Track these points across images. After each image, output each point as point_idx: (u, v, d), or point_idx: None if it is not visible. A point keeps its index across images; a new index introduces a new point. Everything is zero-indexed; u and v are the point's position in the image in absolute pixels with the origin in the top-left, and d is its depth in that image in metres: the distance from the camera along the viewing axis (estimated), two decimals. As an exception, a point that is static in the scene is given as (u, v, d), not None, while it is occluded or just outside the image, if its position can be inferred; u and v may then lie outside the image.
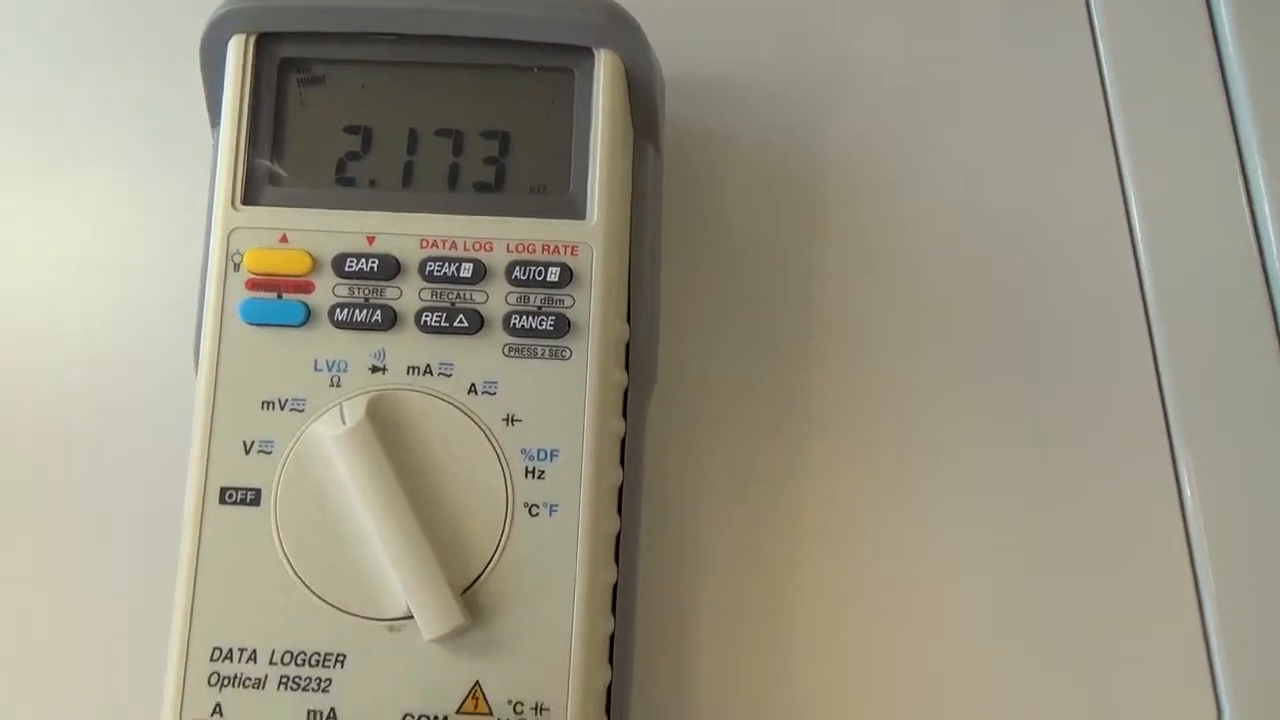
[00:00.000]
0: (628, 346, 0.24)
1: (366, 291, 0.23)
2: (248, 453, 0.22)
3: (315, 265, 0.23)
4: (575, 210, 0.23)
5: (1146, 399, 0.28)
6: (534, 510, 0.22)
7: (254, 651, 0.22)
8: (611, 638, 0.23)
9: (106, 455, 0.27)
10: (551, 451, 0.22)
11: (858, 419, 0.28)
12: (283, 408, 0.22)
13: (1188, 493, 0.27)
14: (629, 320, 0.24)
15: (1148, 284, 0.29)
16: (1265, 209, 0.29)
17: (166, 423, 0.26)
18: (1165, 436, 0.28)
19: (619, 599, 0.23)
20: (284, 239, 0.23)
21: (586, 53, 0.24)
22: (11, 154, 0.29)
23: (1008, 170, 0.30)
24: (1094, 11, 0.31)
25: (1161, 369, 0.28)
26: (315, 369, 0.23)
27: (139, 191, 0.29)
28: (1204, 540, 0.27)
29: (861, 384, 0.28)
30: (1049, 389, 0.28)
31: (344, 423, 0.22)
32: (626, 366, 0.24)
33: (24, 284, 0.28)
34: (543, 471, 0.22)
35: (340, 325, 0.23)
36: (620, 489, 0.24)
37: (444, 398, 0.22)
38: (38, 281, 0.28)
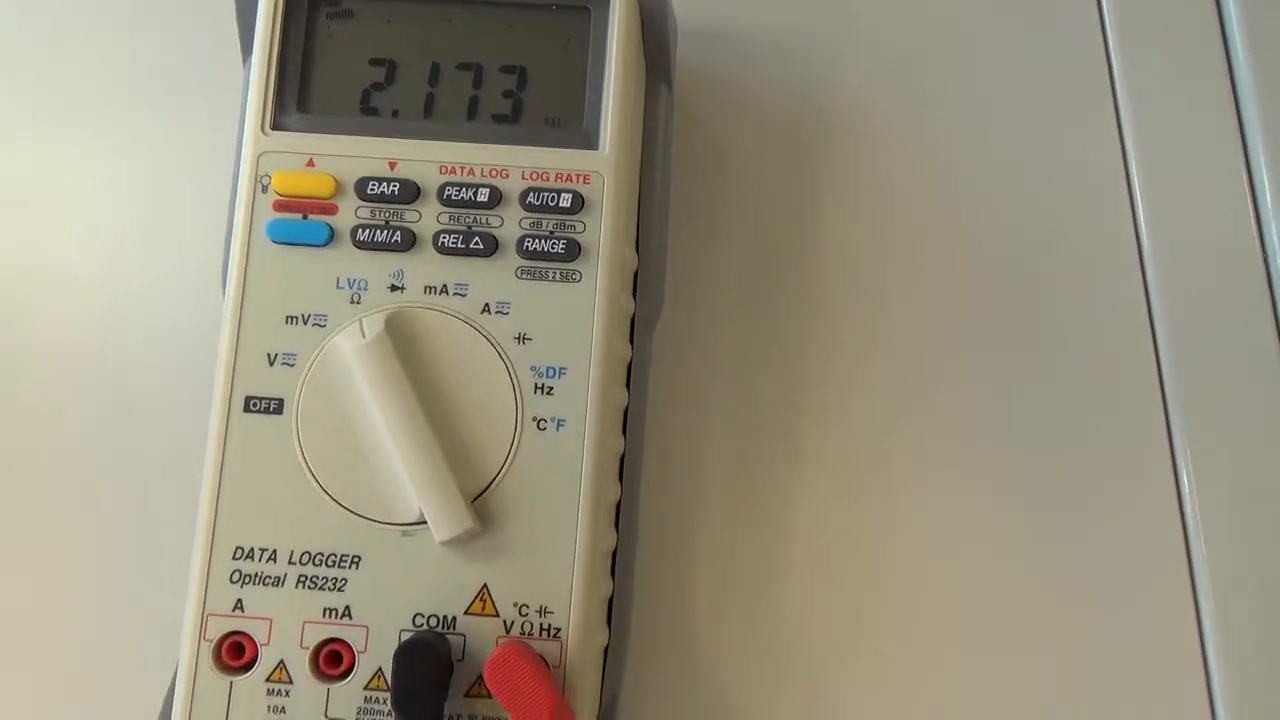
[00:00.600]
0: (636, 275, 0.25)
1: (387, 214, 0.24)
2: (272, 364, 0.23)
3: (339, 188, 0.24)
4: (588, 141, 0.24)
5: (1142, 365, 0.29)
6: (542, 425, 0.23)
7: (274, 551, 0.23)
8: (614, 553, 0.24)
9: (140, 371, 0.28)
10: (560, 369, 0.23)
11: (854, 354, 0.28)
12: (305, 323, 0.24)
13: (1179, 451, 0.28)
14: (638, 250, 0.25)
15: (1145, 243, 0.29)
16: (1262, 165, 0.30)
17: (196, 342, 0.27)
18: (1160, 398, 0.29)
19: (622, 516, 0.24)
20: (310, 163, 0.24)
21: (601, -9, 0.25)
22: (53, 90, 0.31)
23: (1007, 124, 0.30)
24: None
25: (1158, 330, 0.29)
26: (337, 287, 0.24)
27: (174, 127, 0.30)
28: (1200, 525, 0.27)
29: (858, 321, 0.29)
30: (1043, 338, 0.29)
31: (363, 336, 0.23)
32: (634, 294, 0.25)
33: (66, 214, 0.30)
34: (551, 388, 0.23)
35: (361, 246, 0.24)
36: (626, 411, 0.25)
37: (459, 316, 0.23)
38: (78, 210, 0.30)
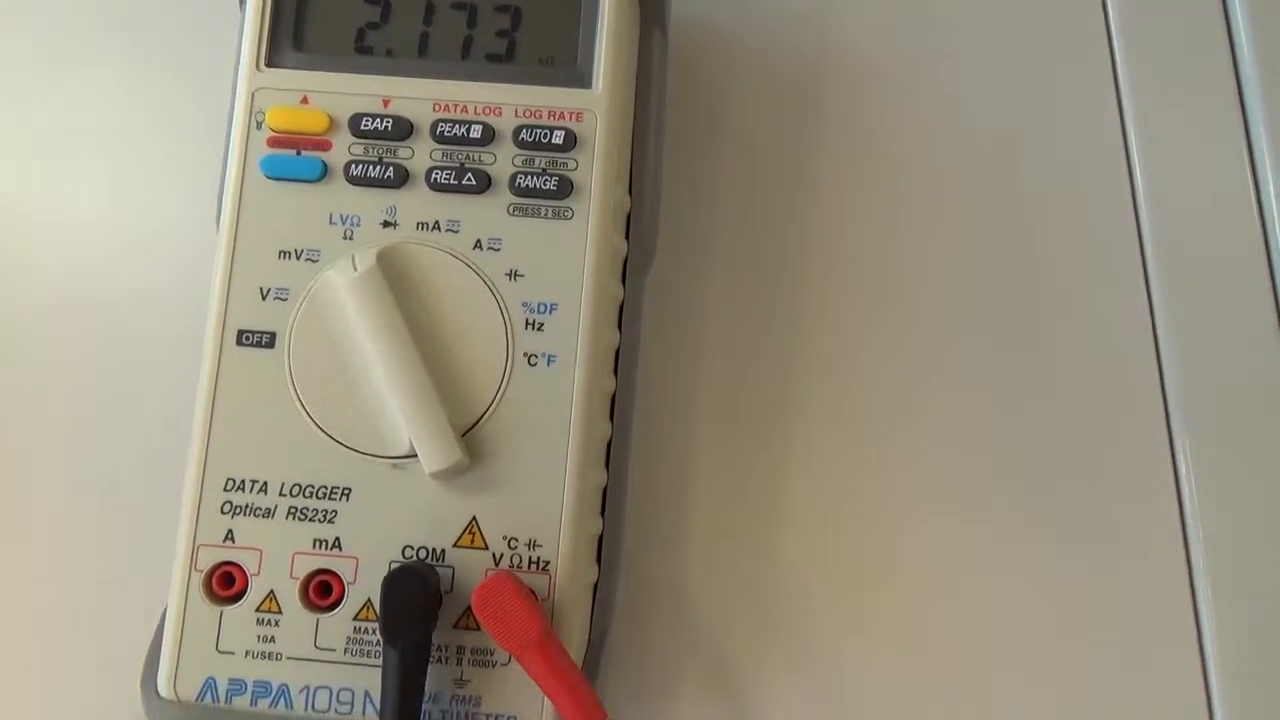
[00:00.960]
0: (629, 218, 0.25)
1: (380, 150, 0.24)
2: (264, 298, 0.24)
3: (333, 124, 0.24)
4: (582, 80, 0.24)
5: (1137, 317, 0.29)
6: (533, 360, 0.23)
7: (265, 483, 0.23)
8: (605, 491, 0.25)
9: (133, 313, 0.29)
10: (551, 305, 0.23)
11: (849, 303, 0.29)
12: (298, 257, 0.24)
13: (1175, 425, 0.28)
14: (630, 193, 0.25)
15: (1140, 196, 0.30)
16: (1259, 123, 0.30)
17: (192, 283, 0.27)
18: (1153, 351, 0.29)
19: (613, 455, 0.25)
20: (304, 100, 0.24)
21: (596, -68, 0.25)
22: (55, 32, 0.31)
23: (1005, 77, 0.30)
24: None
25: (1152, 284, 0.29)
26: (330, 222, 0.24)
27: (173, 66, 0.30)
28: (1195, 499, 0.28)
29: (853, 271, 0.29)
30: (1036, 292, 0.29)
31: (355, 270, 0.23)
32: (627, 236, 0.25)
33: (63, 158, 0.30)
34: (542, 324, 0.23)
35: (354, 181, 0.24)
36: (617, 351, 0.25)
37: (451, 252, 0.24)
38: (77, 153, 0.30)
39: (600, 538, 0.24)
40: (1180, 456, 0.28)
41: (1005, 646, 0.26)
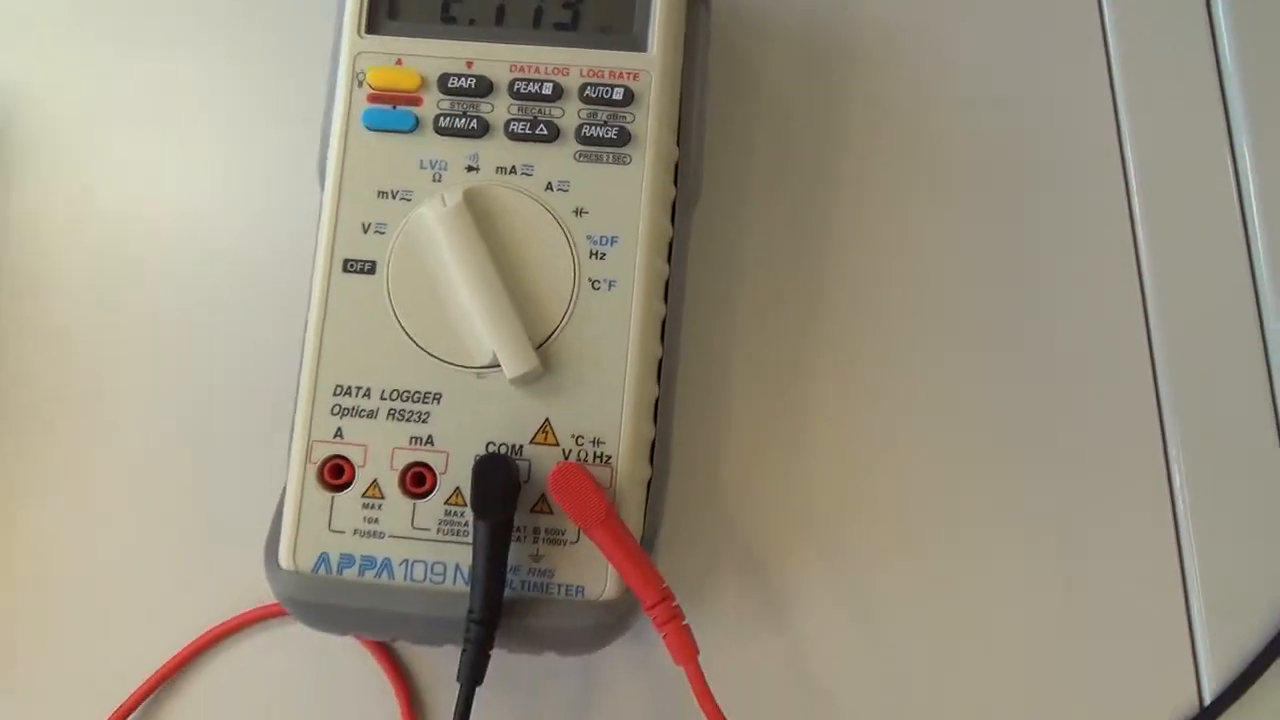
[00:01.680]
0: (677, 166, 0.29)
1: (465, 106, 0.28)
2: (366, 232, 0.27)
3: (424, 83, 0.28)
4: (638, 45, 0.28)
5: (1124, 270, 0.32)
6: (596, 285, 0.27)
7: (368, 389, 0.27)
8: (657, 402, 0.28)
9: (248, 252, 0.33)
10: (612, 238, 0.27)
11: (870, 237, 0.32)
12: (394, 197, 0.27)
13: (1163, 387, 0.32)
14: (679, 144, 0.29)
15: (1130, 161, 0.33)
16: (1237, 104, 0.33)
17: (295, 228, 0.31)
18: (1139, 297, 0.32)
19: (664, 371, 0.28)
20: (399, 62, 0.28)
21: (651, -84, 0.29)
22: (157, 10, 0.35)
23: (1010, 51, 0.34)
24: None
25: (1140, 246, 0.33)
26: (421, 167, 0.28)
27: (275, 35, 0.34)
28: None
29: (872, 208, 0.33)
30: (1033, 250, 0.33)
31: (444, 206, 0.27)
32: (675, 182, 0.29)
33: (182, 122, 0.34)
34: (604, 254, 0.27)
35: (442, 132, 0.28)
36: (667, 282, 0.29)
37: (525, 192, 0.27)
38: (191, 111, 0.34)
39: (653, 442, 0.28)
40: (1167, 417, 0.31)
41: (1008, 535, 0.30)
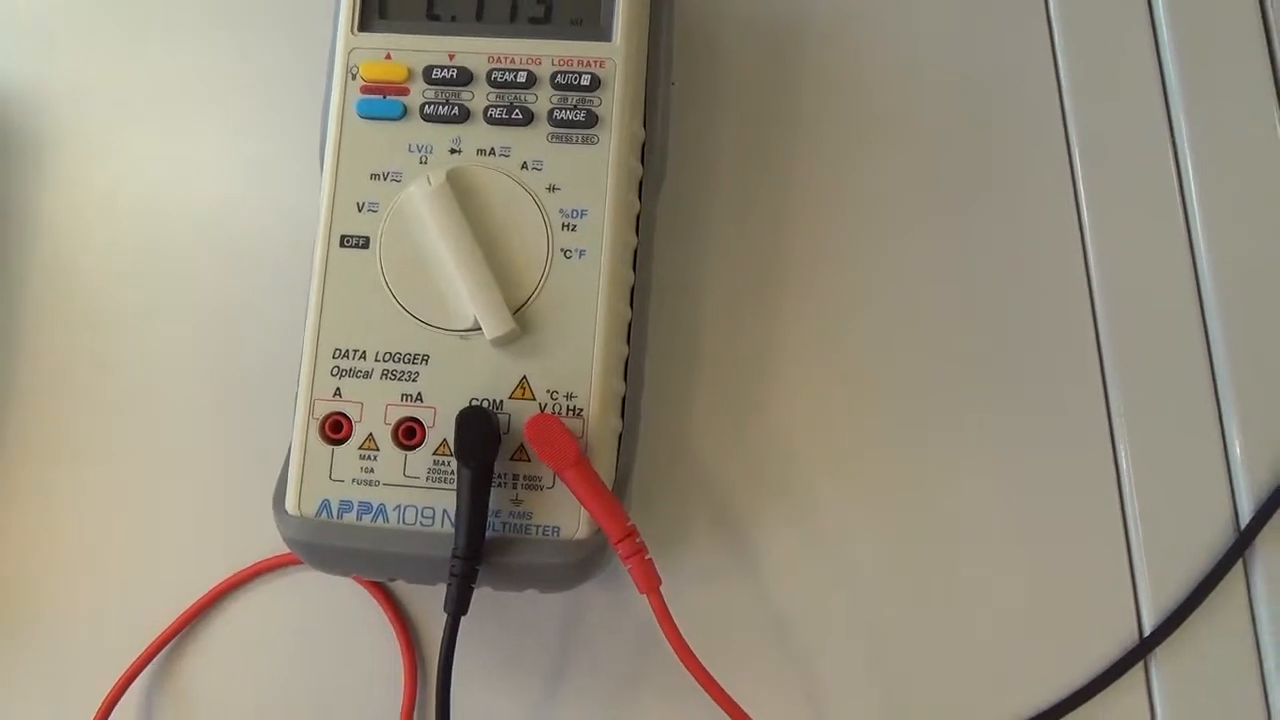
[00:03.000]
0: (644, 146, 0.31)
1: (447, 94, 0.30)
2: (360, 211, 0.30)
3: (410, 75, 0.31)
4: (604, 35, 0.31)
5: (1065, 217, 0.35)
6: (568, 254, 0.30)
7: (363, 351, 0.30)
8: (627, 361, 0.31)
9: (254, 232, 0.36)
10: (582, 211, 0.30)
11: (825, 207, 0.35)
12: (385, 179, 0.30)
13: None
14: (645, 125, 0.31)
15: (1071, 123, 0.35)
16: (1173, 77, 0.36)
17: (298, 207, 0.34)
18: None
19: (633, 332, 0.31)
20: (388, 56, 0.31)
21: (615, -82, 0.31)
22: (166, 14, 0.38)
23: (955, 29, 0.36)
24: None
25: (1083, 214, 0.35)
26: (409, 150, 0.30)
27: (276, 32, 0.38)
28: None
29: (826, 182, 0.35)
30: (979, 204, 0.35)
31: (430, 185, 0.30)
32: (643, 161, 0.31)
33: (192, 114, 0.37)
34: (575, 225, 0.30)
35: (428, 119, 0.30)
36: (635, 252, 0.31)
37: (503, 171, 0.30)
38: (202, 110, 0.37)
39: (623, 397, 0.31)
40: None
41: (960, 481, 0.33)
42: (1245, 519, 0.32)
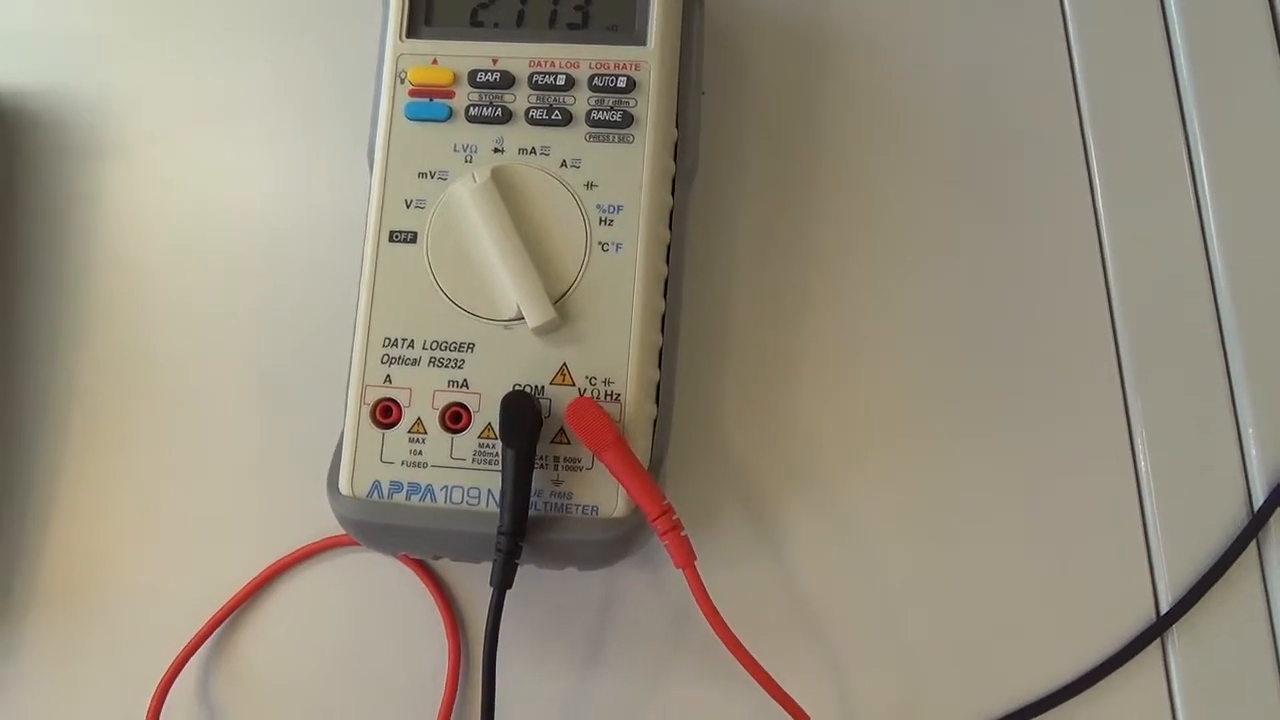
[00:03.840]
0: (676, 145, 0.33)
1: (491, 97, 0.32)
2: (408, 207, 0.32)
3: (456, 78, 0.32)
4: (639, 40, 0.32)
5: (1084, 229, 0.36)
6: (605, 247, 0.31)
7: (411, 340, 0.31)
8: (661, 350, 0.32)
9: (303, 233, 0.38)
10: (618, 206, 0.31)
11: (848, 210, 0.36)
12: (432, 177, 0.32)
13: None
14: (677, 126, 0.33)
15: (1089, 136, 0.37)
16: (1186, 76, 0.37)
17: (345, 206, 0.36)
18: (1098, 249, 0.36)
19: (666, 324, 0.32)
20: (435, 61, 0.32)
21: (649, -70, 0.33)
22: (239, 17, 0.40)
23: (972, 41, 0.38)
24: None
25: (1098, 199, 0.36)
26: (454, 150, 0.32)
27: (322, 41, 0.39)
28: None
29: (850, 184, 0.36)
30: (992, 207, 0.36)
31: (475, 182, 0.31)
32: (675, 159, 0.33)
33: (242, 119, 0.39)
34: (612, 220, 0.31)
35: (472, 120, 0.32)
36: (669, 246, 0.33)
37: (544, 169, 0.32)
38: (251, 115, 0.39)
39: (658, 384, 0.32)
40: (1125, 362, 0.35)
41: (980, 464, 0.34)
42: (1259, 500, 0.33)
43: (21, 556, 0.36)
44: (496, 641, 0.30)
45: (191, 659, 0.34)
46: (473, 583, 0.34)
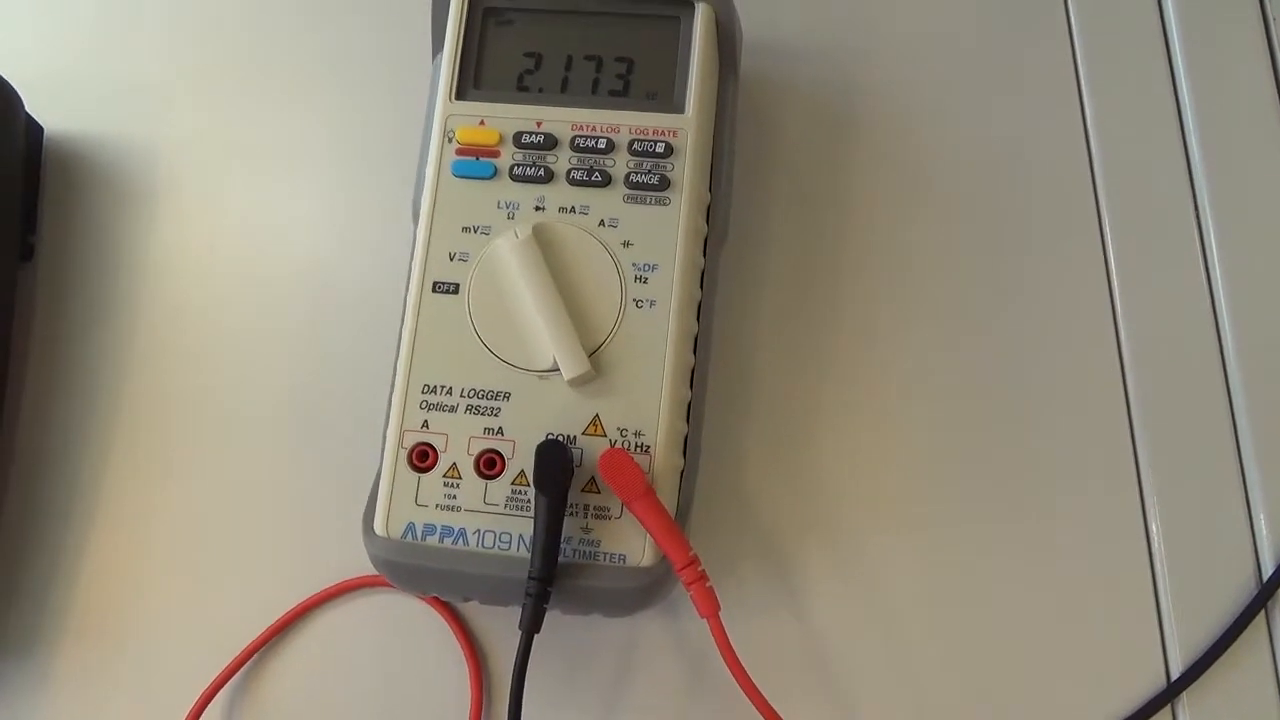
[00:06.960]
0: (709, 208, 0.34)
1: (534, 157, 0.34)
2: (452, 260, 0.33)
3: (501, 139, 0.34)
4: (677, 108, 0.34)
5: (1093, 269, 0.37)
6: (639, 304, 0.32)
7: (450, 387, 0.32)
8: (690, 405, 0.33)
9: (350, 283, 0.39)
10: (653, 265, 0.33)
11: (871, 273, 0.38)
12: (475, 231, 0.33)
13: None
14: (711, 190, 0.34)
15: (1101, 194, 0.38)
16: (1195, 145, 0.38)
17: (390, 260, 0.37)
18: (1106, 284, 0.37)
19: (695, 378, 0.33)
20: (482, 122, 0.34)
21: (689, 6, 0.34)
22: (295, 73, 0.42)
23: (990, 113, 0.39)
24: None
25: (1108, 251, 0.38)
26: (498, 207, 0.33)
27: (374, 98, 0.41)
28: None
29: (873, 248, 0.38)
30: (1008, 269, 0.38)
31: (517, 238, 0.32)
32: (708, 221, 0.34)
33: (296, 173, 0.41)
34: (646, 279, 0.33)
35: (515, 179, 0.33)
36: (700, 304, 0.34)
37: (583, 228, 0.33)
38: (305, 169, 0.41)
39: (686, 436, 0.33)
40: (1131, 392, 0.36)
41: (992, 526, 0.35)
42: (1267, 570, 0.34)
43: (55, 587, 0.37)
44: (523, 684, 0.31)
45: (219, 693, 0.35)
46: (497, 627, 0.35)
